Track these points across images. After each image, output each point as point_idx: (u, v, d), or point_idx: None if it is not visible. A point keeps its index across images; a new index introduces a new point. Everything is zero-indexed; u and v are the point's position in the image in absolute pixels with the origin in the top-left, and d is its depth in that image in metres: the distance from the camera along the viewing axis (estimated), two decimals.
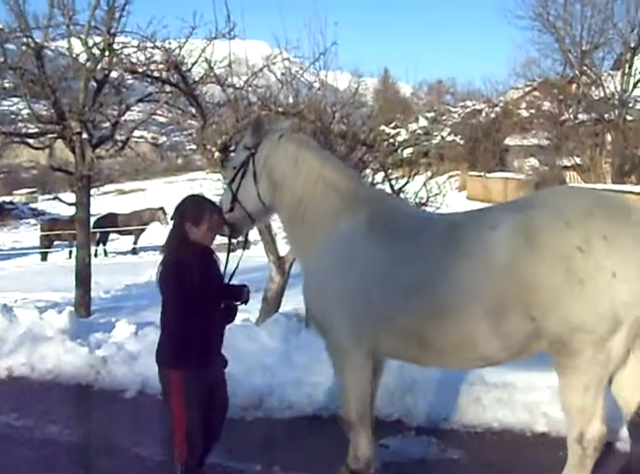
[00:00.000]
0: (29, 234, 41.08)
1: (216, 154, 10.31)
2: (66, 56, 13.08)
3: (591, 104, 35.97)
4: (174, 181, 74.52)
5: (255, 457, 6.38)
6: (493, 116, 50.85)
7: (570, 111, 37.89)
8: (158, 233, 27.30)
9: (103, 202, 30.56)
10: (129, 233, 32.67)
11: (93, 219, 22.01)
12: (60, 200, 17.80)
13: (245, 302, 5.29)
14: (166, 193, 54.49)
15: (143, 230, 32.37)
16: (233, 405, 5.86)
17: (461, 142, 51.66)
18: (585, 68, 37.65)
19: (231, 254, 5.51)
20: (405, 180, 11.40)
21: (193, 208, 5.02)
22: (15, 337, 9.93)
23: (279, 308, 10.54)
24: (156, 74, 11.54)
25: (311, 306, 5.64)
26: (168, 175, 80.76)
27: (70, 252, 28.51)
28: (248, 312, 10.01)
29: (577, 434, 4.62)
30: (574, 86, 39.72)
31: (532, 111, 43.28)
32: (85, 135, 12.36)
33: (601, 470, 5.04)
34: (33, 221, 48.96)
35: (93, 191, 14.30)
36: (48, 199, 52.84)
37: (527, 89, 46.25)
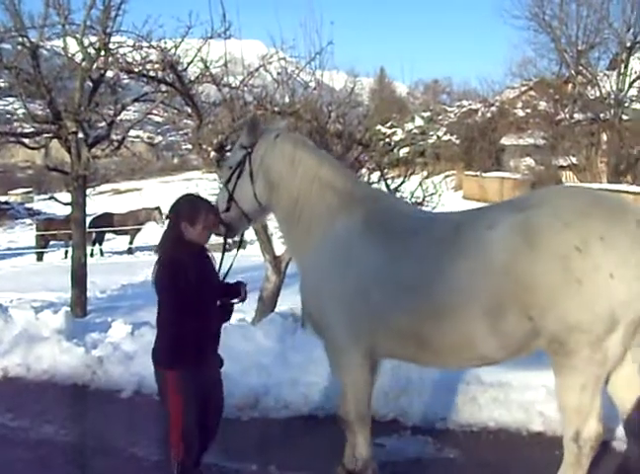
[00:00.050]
0: (24, 234, 40.96)
1: (212, 154, 10.31)
2: (62, 56, 13.05)
3: (586, 103, 36.01)
4: (170, 180, 74.45)
5: (251, 457, 6.38)
6: (489, 115, 50.86)
7: (566, 110, 37.93)
8: (154, 233, 27.25)
9: (99, 202, 30.63)
10: (125, 233, 32.59)
11: (89, 219, 22.00)
12: (56, 200, 17.85)
13: (243, 300, 5.29)
14: (162, 192, 54.42)
15: (139, 230, 32.30)
16: (229, 405, 5.85)
17: (457, 142, 51.72)
18: (580, 68, 37.68)
19: (226, 253, 5.51)
20: (401, 179, 11.40)
21: (188, 208, 5.01)
22: (10, 337, 9.90)
23: (274, 308, 10.54)
24: (152, 74, 11.52)
25: (308, 306, 5.64)
26: (164, 174, 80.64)
27: (66, 252, 28.45)
28: (244, 312, 10.01)
29: (573, 433, 4.62)
30: (570, 86, 39.78)
31: (528, 110, 43.30)
32: (81, 135, 12.33)
33: (597, 469, 5.05)
34: (28, 221, 48.79)
35: (89, 190, 14.28)
36: (44, 199, 52.89)
37: (523, 89, 46.31)
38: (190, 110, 11.17)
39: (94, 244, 30.62)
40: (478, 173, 44.00)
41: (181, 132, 14.98)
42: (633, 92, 35.17)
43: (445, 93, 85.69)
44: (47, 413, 7.87)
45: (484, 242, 4.67)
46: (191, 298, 4.78)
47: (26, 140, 13.28)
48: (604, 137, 35.42)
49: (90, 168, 12.73)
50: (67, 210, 17.17)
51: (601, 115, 34.46)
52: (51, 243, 31.95)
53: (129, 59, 11.78)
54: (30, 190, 73.01)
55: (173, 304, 4.86)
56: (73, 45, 12.28)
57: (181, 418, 4.91)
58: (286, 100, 10.85)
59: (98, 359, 9.11)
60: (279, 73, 11.13)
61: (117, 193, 70.55)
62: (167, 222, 5.14)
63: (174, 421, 4.93)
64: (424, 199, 11.05)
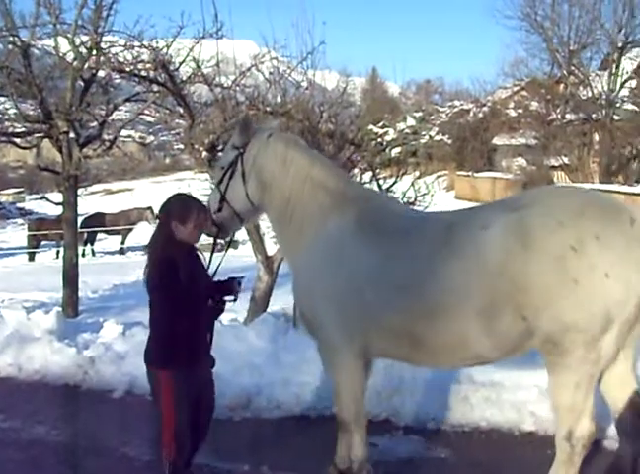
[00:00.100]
0: (16, 234, 40.82)
1: (204, 154, 10.29)
2: (53, 55, 13.00)
3: (578, 104, 36.13)
4: (162, 180, 74.32)
5: (243, 457, 6.37)
6: (481, 115, 50.97)
7: (558, 110, 38.03)
8: (146, 233, 27.15)
9: (90, 202, 30.59)
10: (117, 233, 32.52)
11: (80, 219, 21.95)
12: (48, 200, 17.81)
13: (235, 299, 5.27)
14: (154, 192, 54.28)
15: (131, 230, 32.23)
16: (221, 405, 5.85)
17: (449, 142, 51.81)
18: (572, 68, 37.80)
19: (215, 253, 5.50)
20: (393, 179, 11.40)
21: (179, 207, 5.00)
22: (2, 337, 9.86)
23: (266, 308, 10.53)
24: (144, 73, 11.50)
25: (300, 305, 5.65)
26: (156, 174, 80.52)
27: (58, 252, 28.38)
28: (236, 312, 10.01)
29: (566, 432, 4.63)
30: (562, 86, 39.90)
31: (520, 110, 43.38)
32: (72, 135, 12.29)
33: (589, 468, 5.06)
34: (20, 221, 48.59)
35: (80, 190, 14.26)
36: (36, 199, 52.73)
37: (515, 89, 46.41)
38: (181, 110, 11.15)
39: (85, 244, 30.54)
40: (470, 173, 44.09)
41: (173, 132, 14.94)
42: (625, 92, 35.31)
43: (437, 93, 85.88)
44: (39, 413, 7.85)
45: (478, 242, 4.67)
46: (181, 297, 4.76)
47: (17, 140, 13.24)
48: (596, 137, 35.54)
49: (81, 168, 12.70)
50: (59, 210, 17.13)
51: (593, 115, 34.58)
52: (43, 243, 31.87)
53: (121, 59, 11.76)
54: (21, 189, 72.79)
55: (164, 304, 4.85)
56: (64, 45, 12.24)
57: (173, 418, 4.90)
58: (278, 100, 10.84)
59: (89, 360, 9.09)
60: (270, 73, 11.12)
61: (108, 193, 70.43)
62: (157, 221, 5.13)
63: (166, 421, 4.92)
64: (416, 199, 11.05)
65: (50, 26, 12.17)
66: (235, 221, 5.74)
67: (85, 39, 12.08)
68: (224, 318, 9.48)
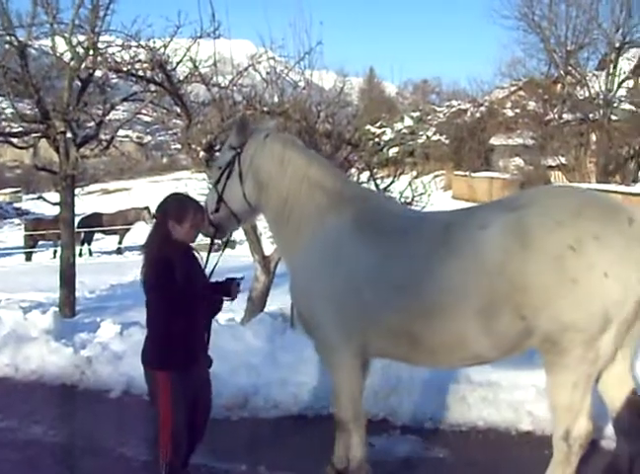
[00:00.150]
0: (13, 234, 40.78)
1: (201, 154, 10.28)
2: (50, 55, 12.98)
3: (575, 104, 36.19)
4: (159, 180, 74.20)
5: (240, 457, 6.37)
6: (478, 115, 50.97)
7: (555, 110, 38.09)
8: (143, 233, 27.12)
9: (87, 202, 30.47)
10: (114, 233, 32.50)
11: (77, 219, 21.92)
12: (45, 200, 17.74)
13: (232, 299, 5.27)
14: (151, 192, 54.16)
15: (128, 230, 32.20)
16: (218, 405, 5.85)
17: (446, 142, 51.81)
18: (570, 68, 37.87)
19: (212, 253, 5.50)
20: (390, 179, 11.40)
21: (175, 206, 4.99)
22: None
23: (264, 308, 10.52)
24: (141, 73, 11.48)
25: (298, 305, 5.65)
26: (153, 174, 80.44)
27: (55, 252, 28.35)
28: (233, 312, 10.00)
29: (563, 432, 4.64)
30: (559, 86, 39.96)
31: (517, 110, 43.44)
32: (69, 135, 12.28)
33: (587, 467, 5.06)
34: (17, 221, 48.50)
35: (77, 190, 14.22)
36: (33, 199, 52.53)
37: (513, 89, 46.46)
38: (179, 109, 11.14)
39: (83, 244, 30.55)
40: (467, 173, 44.12)
41: (170, 132, 14.94)
42: (622, 92, 35.37)
43: (435, 93, 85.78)
44: (36, 413, 7.84)
45: (476, 242, 4.67)
46: (178, 297, 4.76)
47: (14, 140, 13.21)
48: (593, 137, 35.60)
49: (78, 168, 12.68)
50: (56, 210, 17.09)
51: (590, 115, 34.64)
52: (40, 243, 31.81)
53: (118, 59, 11.73)
54: (18, 189, 72.68)
55: (160, 303, 4.84)
56: (62, 45, 12.21)
57: (170, 418, 4.89)
58: (275, 99, 10.82)
59: (86, 360, 9.08)
60: (268, 73, 11.10)
61: (105, 192, 70.34)
62: (154, 221, 5.13)
63: (163, 421, 4.91)
64: (413, 199, 11.05)
65: (47, 25, 12.13)
66: (232, 221, 5.74)
67: (82, 38, 12.08)
68: (221, 318, 9.50)
